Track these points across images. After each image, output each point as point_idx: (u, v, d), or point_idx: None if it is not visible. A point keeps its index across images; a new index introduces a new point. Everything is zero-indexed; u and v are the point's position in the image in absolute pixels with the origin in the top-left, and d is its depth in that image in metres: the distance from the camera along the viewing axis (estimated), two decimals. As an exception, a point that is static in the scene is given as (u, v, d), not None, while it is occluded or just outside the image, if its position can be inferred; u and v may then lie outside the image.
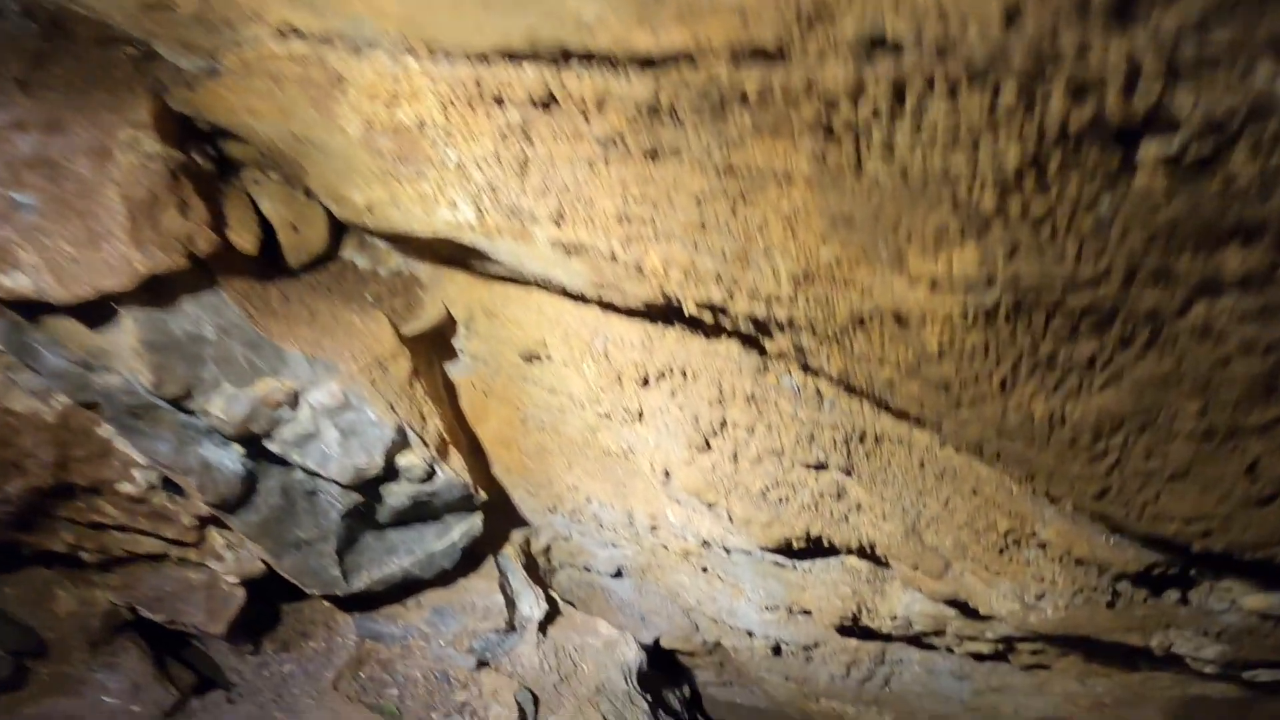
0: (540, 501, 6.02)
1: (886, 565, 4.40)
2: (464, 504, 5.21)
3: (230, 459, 4.25)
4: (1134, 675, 4.69)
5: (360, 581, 5.03)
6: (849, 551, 4.39)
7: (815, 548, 4.42)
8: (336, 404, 4.28)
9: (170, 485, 4.35)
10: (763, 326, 3.20)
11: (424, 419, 4.74)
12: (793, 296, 2.89)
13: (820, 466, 3.84)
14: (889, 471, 3.65)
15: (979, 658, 5.25)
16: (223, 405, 3.98)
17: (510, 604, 5.89)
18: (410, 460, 4.60)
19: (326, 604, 5.50)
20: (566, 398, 4.93)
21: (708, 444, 4.10)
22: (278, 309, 4.38)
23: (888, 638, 5.31)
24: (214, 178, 4.17)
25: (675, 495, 4.75)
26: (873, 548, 4.14)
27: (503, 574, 6.01)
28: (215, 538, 4.67)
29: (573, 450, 5.36)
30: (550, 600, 6.25)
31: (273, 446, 4.21)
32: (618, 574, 6.61)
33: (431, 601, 5.68)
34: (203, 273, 4.03)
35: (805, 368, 3.42)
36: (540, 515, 6.22)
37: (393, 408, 4.50)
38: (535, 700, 5.74)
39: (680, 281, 3.31)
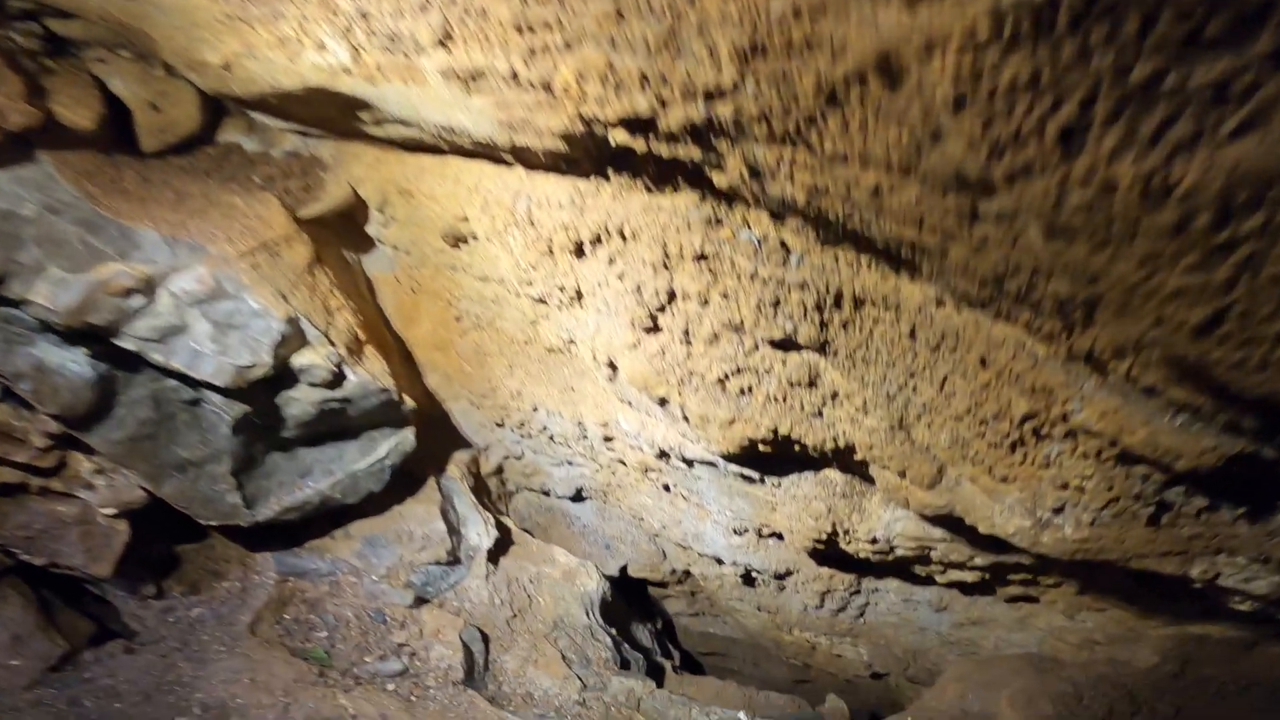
0: (486, 414, 5.13)
1: (867, 476, 3.51)
2: (389, 415, 4.31)
3: (75, 361, 3.32)
4: (1130, 611, 3.86)
5: (268, 509, 4.14)
6: (823, 457, 3.49)
7: (785, 454, 3.54)
8: (206, 291, 3.36)
9: (13, 398, 3.42)
10: (706, 142, 2.29)
11: (329, 312, 3.83)
12: (738, 81, 1.97)
13: (788, 344, 2.93)
14: (871, 346, 2.74)
15: (962, 588, 4.42)
16: (48, 292, 3.05)
17: (453, 532, 5.01)
18: (310, 359, 3.69)
19: (241, 539, 4.61)
20: (499, 285, 4.04)
21: (655, 322, 3.19)
22: (132, 190, 3.50)
23: (865, 565, 4.46)
24: (37, 54, 3.51)
25: (624, 394, 3.86)
26: (851, 450, 3.25)
27: (446, 498, 5.13)
28: (81, 462, 3.76)
29: (514, 350, 4.47)
30: (501, 527, 5.37)
31: (126, 344, 3.29)
32: (578, 497, 5.76)
33: (362, 531, 4.80)
34: (20, 148, 3.24)
35: (766, 208, 2.50)
36: (487, 431, 5.34)
37: (284, 297, 3.58)
38: (485, 639, 4.88)
39: (599, 97, 2.40)
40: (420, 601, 4.80)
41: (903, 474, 3.08)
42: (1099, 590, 3.82)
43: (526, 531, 5.84)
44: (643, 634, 6.25)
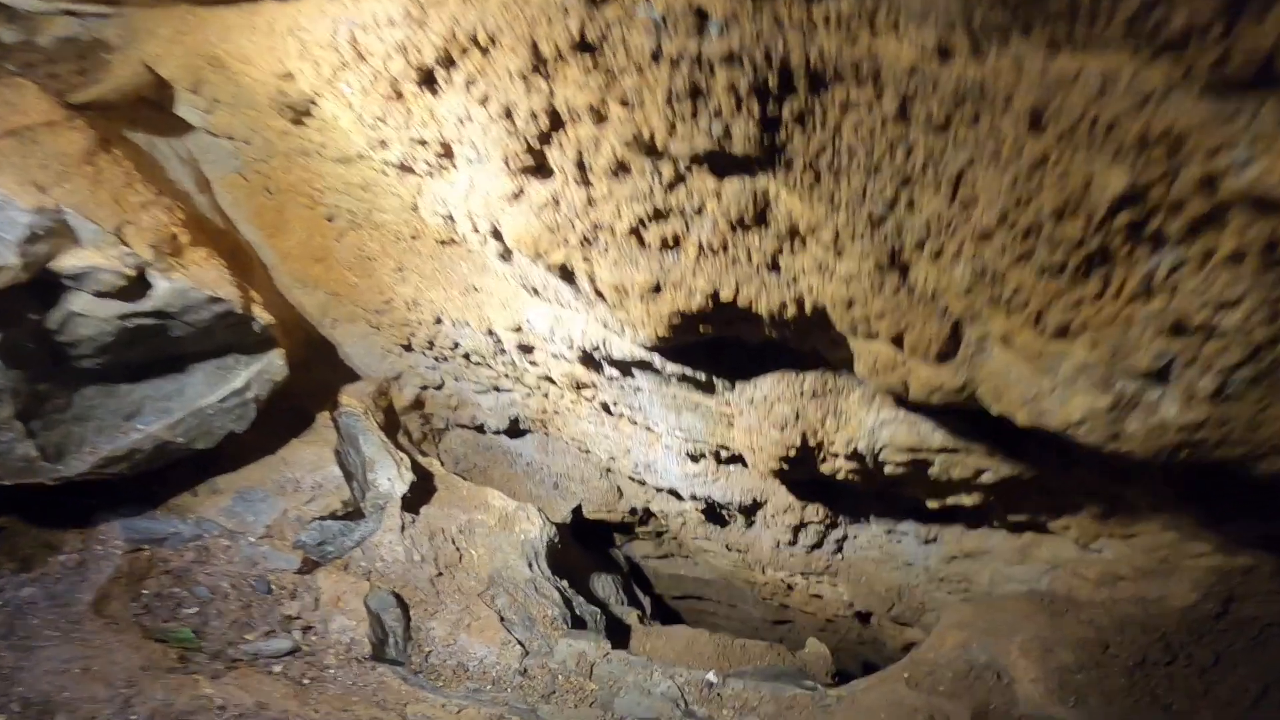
0: (388, 336, 4.13)
1: (845, 364, 2.52)
2: (241, 337, 3.31)
3: None
4: (1166, 537, 2.92)
5: (81, 461, 3.15)
6: (784, 336, 2.49)
7: (733, 337, 2.55)
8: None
9: None
10: None
11: (124, 207, 2.83)
12: None
13: (721, 160, 1.93)
14: (840, 146, 1.74)
15: (958, 516, 3.51)
16: None
17: (352, 478, 4.03)
18: (88, 261, 2.70)
19: (82, 505, 3.60)
20: (363, 164, 3.04)
21: (538, 158, 2.17)
22: None
23: (843, 490, 3.50)
24: None
25: (528, 278, 2.88)
26: (822, 317, 2.25)
27: (346, 439, 4.14)
28: None
29: (400, 248, 3.48)
30: (420, 470, 4.39)
31: None
32: (515, 430, 4.79)
33: (234, 485, 3.81)
34: None
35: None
36: (394, 357, 4.33)
37: (41, 188, 2.57)
38: (402, 604, 3.92)
39: None
40: (314, 564, 3.82)
41: (898, 340, 2.07)
42: (1130, 511, 2.88)
43: (462, 476, 4.87)
44: (603, 583, 5.32)
